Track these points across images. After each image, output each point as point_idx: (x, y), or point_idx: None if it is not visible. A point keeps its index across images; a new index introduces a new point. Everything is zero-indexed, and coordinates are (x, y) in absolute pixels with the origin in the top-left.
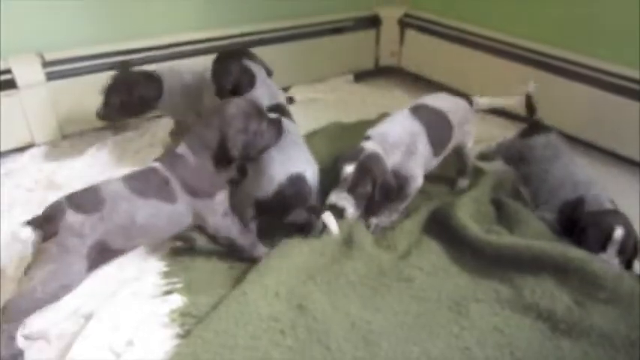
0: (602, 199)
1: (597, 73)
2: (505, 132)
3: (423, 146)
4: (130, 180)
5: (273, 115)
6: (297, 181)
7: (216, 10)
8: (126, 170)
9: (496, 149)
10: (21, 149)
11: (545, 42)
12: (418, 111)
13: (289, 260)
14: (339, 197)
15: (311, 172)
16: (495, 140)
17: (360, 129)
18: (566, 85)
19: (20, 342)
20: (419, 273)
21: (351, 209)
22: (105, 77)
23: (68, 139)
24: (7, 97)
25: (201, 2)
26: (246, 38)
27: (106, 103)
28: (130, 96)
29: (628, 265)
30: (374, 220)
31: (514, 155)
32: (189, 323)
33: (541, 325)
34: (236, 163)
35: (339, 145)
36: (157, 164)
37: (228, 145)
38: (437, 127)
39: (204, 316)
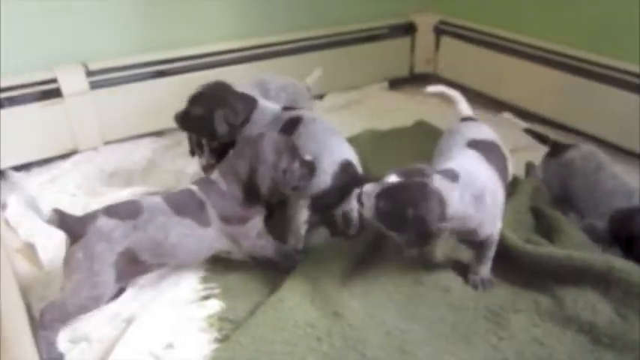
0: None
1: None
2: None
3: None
4: (170, 197)
5: (308, 157)
6: (347, 167)
7: (252, 19)
8: (162, 177)
9: (533, 175)
10: (65, 156)
11: (582, 47)
12: (480, 147)
13: (324, 267)
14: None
15: (354, 157)
16: None
17: (394, 136)
18: (605, 91)
19: (62, 345)
20: (455, 283)
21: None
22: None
23: (109, 145)
24: (53, 105)
25: (238, 12)
26: (282, 47)
27: (186, 112)
28: (210, 112)
29: None
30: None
31: (554, 175)
32: (227, 328)
33: (582, 338)
34: (264, 198)
35: (374, 152)
36: (194, 187)
37: (257, 181)
38: (503, 167)
39: (241, 322)
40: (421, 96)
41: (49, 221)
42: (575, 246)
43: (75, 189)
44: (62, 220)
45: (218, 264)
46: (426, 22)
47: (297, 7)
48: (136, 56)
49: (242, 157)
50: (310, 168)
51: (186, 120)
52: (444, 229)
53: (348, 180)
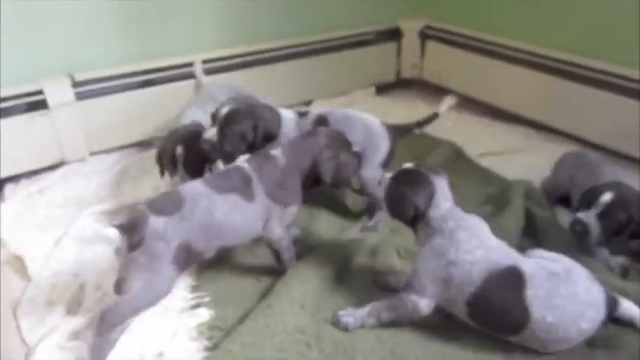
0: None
1: (619, 79)
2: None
3: None
4: (209, 179)
5: (356, 149)
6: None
7: (238, 27)
8: (154, 184)
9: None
10: (53, 167)
11: (568, 50)
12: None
13: (316, 272)
14: (588, 216)
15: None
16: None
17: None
18: (589, 93)
19: (53, 353)
20: None
21: (596, 232)
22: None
23: (96, 156)
24: (39, 117)
25: (224, 20)
26: (268, 54)
27: (225, 131)
28: (254, 127)
29: None
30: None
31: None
32: (217, 336)
33: None
34: (324, 185)
35: None
36: (243, 163)
37: (321, 170)
38: None
39: (231, 329)
40: (408, 101)
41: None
42: (561, 248)
43: (63, 200)
44: (123, 231)
45: (207, 273)
46: (411, 27)
47: (283, 15)
48: (121, 66)
49: (306, 149)
50: (359, 159)
51: (226, 139)
52: (418, 229)
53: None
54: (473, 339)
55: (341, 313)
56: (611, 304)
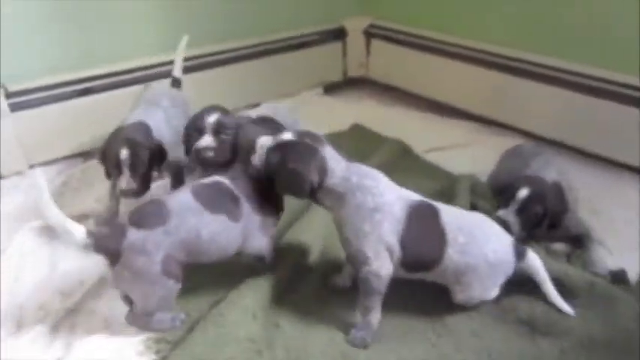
0: (545, 171)
1: (567, 75)
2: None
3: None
4: (200, 192)
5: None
6: None
7: (179, 32)
8: (97, 196)
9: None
10: None
11: (513, 46)
12: None
13: (268, 278)
14: (507, 213)
15: None
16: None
17: (331, 141)
18: (535, 88)
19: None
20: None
21: (516, 227)
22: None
23: (35, 169)
24: None
25: (163, 25)
26: (211, 58)
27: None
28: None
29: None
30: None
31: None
32: (165, 349)
33: (520, 329)
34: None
35: None
36: (224, 179)
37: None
38: None
39: (179, 341)
40: (356, 99)
41: (85, 247)
42: None
43: (3, 215)
44: (97, 245)
45: None
46: (355, 27)
47: (224, 18)
48: (57, 75)
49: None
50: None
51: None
52: (320, 199)
53: None
54: (422, 333)
55: (349, 336)
56: (519, 250)
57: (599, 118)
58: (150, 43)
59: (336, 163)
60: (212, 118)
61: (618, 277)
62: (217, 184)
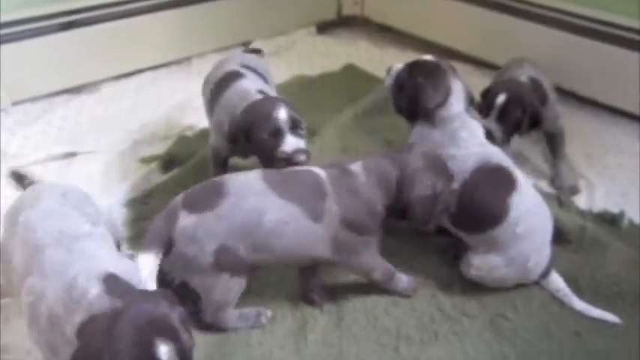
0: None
1: (565, 15)
2: None
3: None
4: (272, 174)
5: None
6: None
7: None
8: (85, 138)
9: None
10: None
11: None
12: None
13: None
14: (488, 122)
15: None
16: None
17: (324, 81)
18: (531, 29)
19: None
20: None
21: (499, 134)
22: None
23: (20, 105)
24: None
25: None
26: None
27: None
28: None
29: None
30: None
31: None
32: None
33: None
34: (415, 222)
35: (304, 98)
36: (320, 171)
37: (411, 199)
38: None
39: None
40: (350, 39)
41: (147, 249)
42: None
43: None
44: (152, 238)
45: None
46: None
47: None
48: (37, 8)
49: (392, 163)
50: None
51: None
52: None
53: None
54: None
55: None
56: (547, 269)
57: (596, 61)
58: None
59: (457, 103)
60: (284, 114)
61: (610, 220)
62: (306, 172)
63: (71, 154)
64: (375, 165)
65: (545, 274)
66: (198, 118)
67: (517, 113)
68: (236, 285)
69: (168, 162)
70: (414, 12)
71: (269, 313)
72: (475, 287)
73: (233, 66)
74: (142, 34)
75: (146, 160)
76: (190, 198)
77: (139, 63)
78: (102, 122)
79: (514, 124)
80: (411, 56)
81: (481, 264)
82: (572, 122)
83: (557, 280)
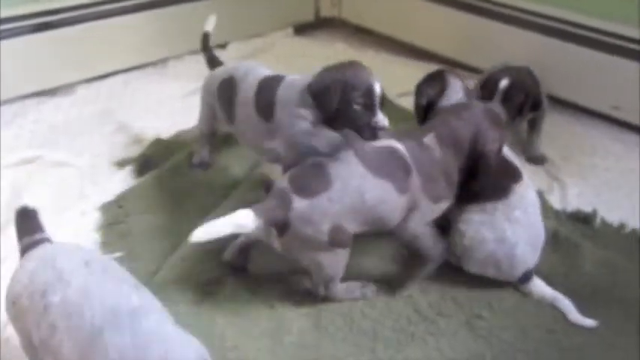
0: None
1: (541, 18)
2: None
3: None
4: (364, 155)
5: None
6: None
7: None
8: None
9: None
10: None
11: None
12: None
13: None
14: (493, 105)
15: None
16: None
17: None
18: (508, 32)
19: None
20: None
21: (503, 116)
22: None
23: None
24: None
25: None
26: None
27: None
28: None
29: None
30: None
31: None
32: None
33: None
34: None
35: None
36: (399, 146)
37: (483, 160)
38: None
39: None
40: (328, 41)
41: (257, 229)
42: None
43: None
44: (267, 221)
45: (117, 226)
46: None
47: None
48: (12, 8)
49: (465, 125)
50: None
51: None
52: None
53: None
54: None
55: None
56: (528, 273)
57: (572, 64)
58: None
59: (455, 94)
60: (379, 89)
61: (584, 219)
62: (389, 148)
63: (44, 158)
64: (448, 133)
65: (527, 278)
66: (174, 121)
67: (520, 97)
68: (344, 257)
69: (143, 165)
70: (392, 14)
71: (373, 287)
72: (451, 287)
73: (264, 71)
74: (118, 35)
75: (121, 163)
76: (299, 183)
77: (114, 64)
78: (76, 125)
79: (516, 108)
80: (387, 58)
81: (474, 235)
82: (550, 124)
83: (540, 285)
